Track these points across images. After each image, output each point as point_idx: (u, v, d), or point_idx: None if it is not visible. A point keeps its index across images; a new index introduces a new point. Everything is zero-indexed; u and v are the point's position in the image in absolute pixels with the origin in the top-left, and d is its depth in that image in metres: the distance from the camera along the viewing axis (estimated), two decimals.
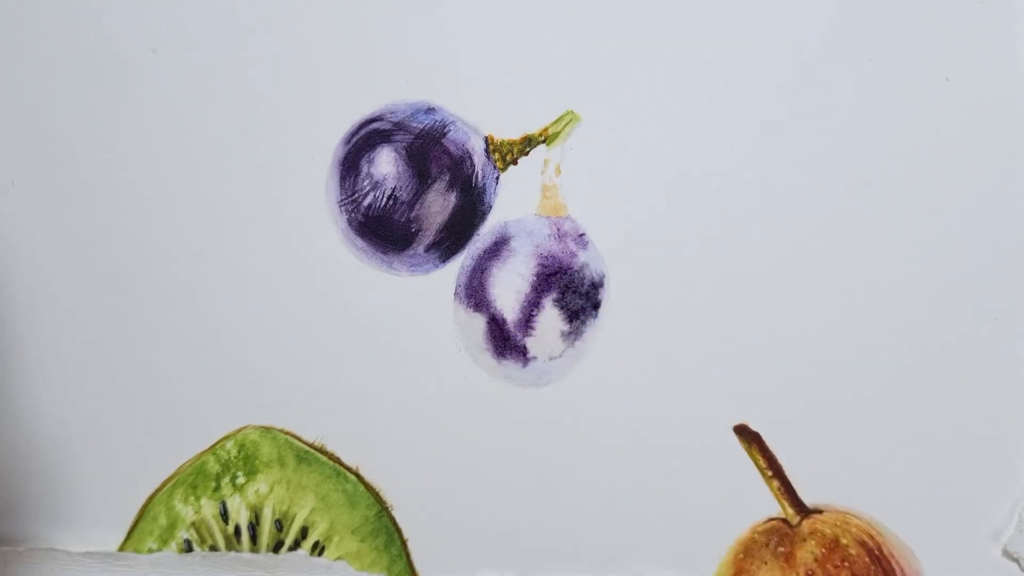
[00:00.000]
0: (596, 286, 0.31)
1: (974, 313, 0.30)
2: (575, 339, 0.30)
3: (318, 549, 0.30)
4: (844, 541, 0.29)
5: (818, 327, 0.30)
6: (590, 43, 0.31)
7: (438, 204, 0.31)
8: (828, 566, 0.29)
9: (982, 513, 0.30)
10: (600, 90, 0.31)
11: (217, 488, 0.30)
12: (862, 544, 0.29)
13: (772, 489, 0.30)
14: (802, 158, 0.31)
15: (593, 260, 0.31)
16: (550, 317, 0.30)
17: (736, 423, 0.30)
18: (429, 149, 0.31)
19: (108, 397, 0.31)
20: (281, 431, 0.30)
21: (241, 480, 0.30)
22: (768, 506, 0.30)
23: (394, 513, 0.30)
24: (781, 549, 0.30)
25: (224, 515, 0.30)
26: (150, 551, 0.30)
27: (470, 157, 0.31)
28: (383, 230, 0.31)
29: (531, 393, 0.30)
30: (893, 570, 0.29)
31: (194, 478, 0.30)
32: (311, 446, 0.30)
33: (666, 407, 0.30)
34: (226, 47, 0.31)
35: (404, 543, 0.30)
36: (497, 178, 0.31)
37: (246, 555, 0.30)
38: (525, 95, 0.31)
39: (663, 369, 0.30)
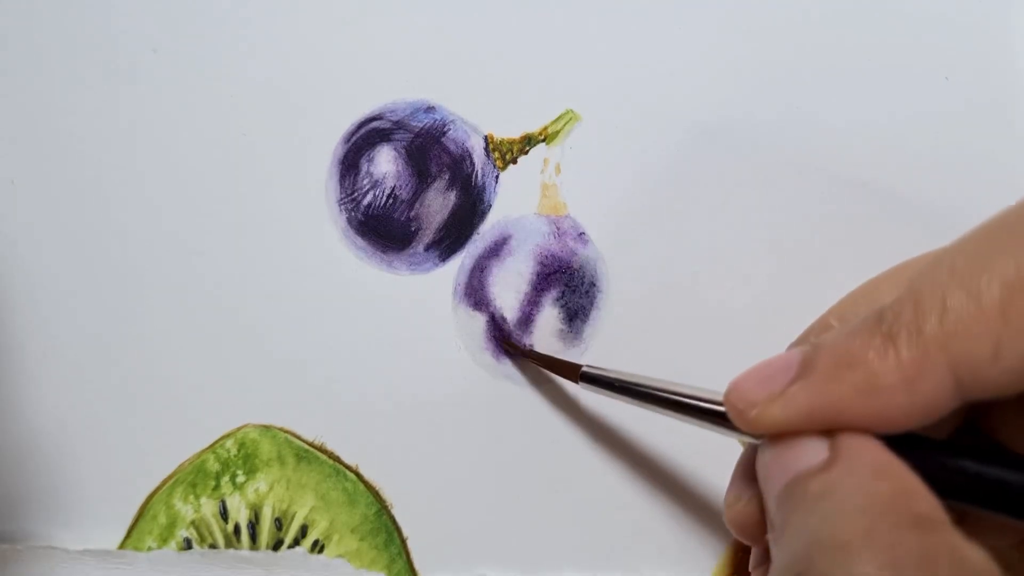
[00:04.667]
0: (595, 285, 0.31)
1: None
2: (575, 338, 0.30)
3: (318, 547, 0.30)
4: None
5: None
6: (590, 43, 0.31)
7: (438, 203, 0.31)
8: None
9: None
10: (600, 90, 0.31)
11: (217, 487, 0.30)
12: None
13: None
14: (802, 158, 0.31)
15: (593, 259, 0.31)
16: (550, 316, 0.30)
17: None
18: (429, 148, 0.31)
19: (108, 395, 0.31)
20: (281, 430, 0.30)
21: (241, 479, 0.30)
22: None
23: (394, 512, 0.30)
24: None
25: (224, 514, 0.30)
26: (149, 550, 0.30)
27: (470, 156, 0.31)
28: (383, 229, 0.31)
29: (531, 392, 0.30)
30: None
31: (194, 477, 0.30)
32: (311, 445, 0.30)
33: None
34: (226, 46, 0.32)
35: (404, 542, 0.30)
36: (497, 177, 0.31)
37: (244, 552, 0.29)
38: (525, 94, 0.31)
39: (663, 368, 0.30)
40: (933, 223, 0.30)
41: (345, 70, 0.31)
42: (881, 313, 0.19)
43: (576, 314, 0.30)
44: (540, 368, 0.30)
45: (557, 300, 0.30)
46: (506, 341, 0.30)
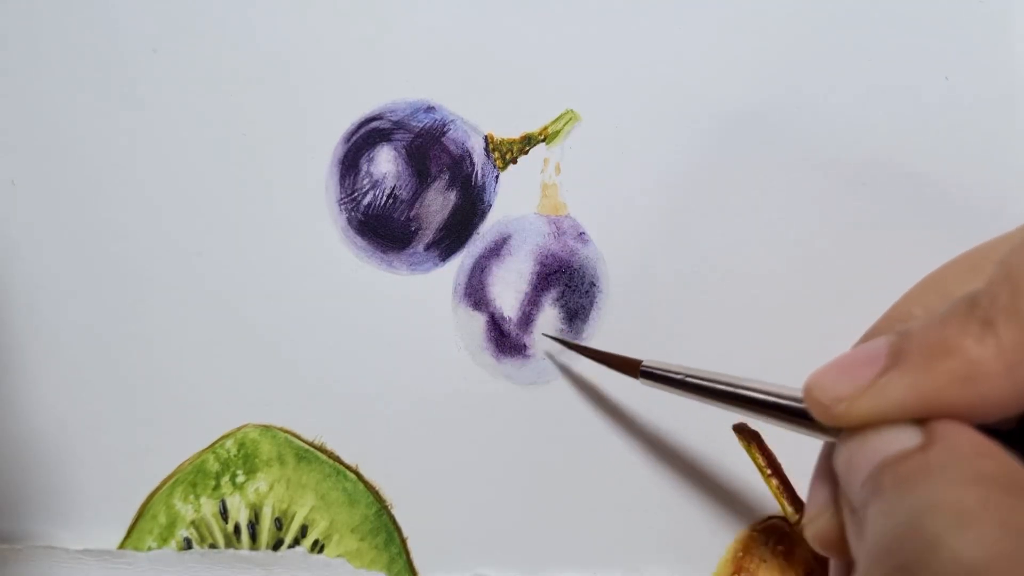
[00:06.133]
0: (595, 285, 0.31)
1: None
2: (575, 338, 0.30)
3: (318, 547, 0.30)
4: None
5: (818, 326, 0.30)
6: (590, 43, 0.31)
7: (438, 203, 0.31)
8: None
9: None
10: (600, 90, 0.31)
11: (217, 487, 0.30)
12: None
13: (771, 488, 0.29)
14: (802, 158, 0.31)
15: (593, 259, 0.31)
16: (550, 316, 0.30)
17: (735, 422, 0.30)
18: (429, 148, 0.31)
19: (108, 395, 0.31)
20: (281, 429, 0.30)
21: (241, 479, 0.30)
22: (768, 505, 0.30)
23: (393, 511, 0.30)
24: (780, 547, 0.29)
25: (224, 514, 0.30)
26: (149, 549, 0.30)
27: (470, 156, 0.31)
28: (383, 229, 0.31)
29: (531, 392, 0.30)
30: None
31: (194, 476, 0.30)
32: (311, 445, 0.30)
33: (666, 405, 0.30)
34: (226, 46, 0.32)
35: (404, 541, 0.30)
36: (497, 177, 0.31)
37: (244, 552, 0.30)
38: (525, 94, 0.31)
39: None
40: (932, 223, 0.30)
41: (345, 70, 0.31)
42: (974, 298, 0.18)
43: (576, 314, 0.30)
44: (547, 366, 0.30)
45: (557, 300, 0.30)
46: (552, 335, 0.30)
